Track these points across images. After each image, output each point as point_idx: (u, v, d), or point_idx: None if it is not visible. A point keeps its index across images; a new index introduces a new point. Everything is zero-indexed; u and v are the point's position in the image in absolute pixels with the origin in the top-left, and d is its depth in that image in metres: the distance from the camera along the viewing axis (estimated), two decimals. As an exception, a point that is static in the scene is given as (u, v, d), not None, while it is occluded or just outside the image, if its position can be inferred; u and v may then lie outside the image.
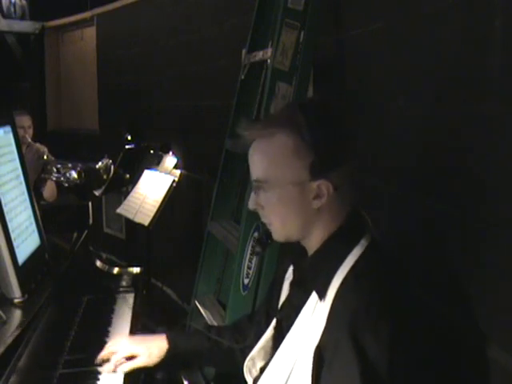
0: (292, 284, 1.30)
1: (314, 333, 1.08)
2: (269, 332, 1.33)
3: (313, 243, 1.20)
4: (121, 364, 1.45)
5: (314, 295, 1.14)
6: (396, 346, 1.02)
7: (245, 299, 1.87)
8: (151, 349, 1.48)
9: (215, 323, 2.08)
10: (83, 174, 2.98)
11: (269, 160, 1.16)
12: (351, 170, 1.17)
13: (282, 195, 1.16)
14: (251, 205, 1.23)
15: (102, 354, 1.47)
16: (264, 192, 1.18)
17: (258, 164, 1.18)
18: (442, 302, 1.34)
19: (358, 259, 1.12)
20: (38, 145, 3.12)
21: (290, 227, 1.19)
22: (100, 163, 3.07)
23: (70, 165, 2.99)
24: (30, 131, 3.58)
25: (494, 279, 1.17)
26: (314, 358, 1.06)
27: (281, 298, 1.35)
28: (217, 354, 1.52)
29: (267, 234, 1.28)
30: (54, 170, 2.97)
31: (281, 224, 1.20)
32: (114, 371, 1.44)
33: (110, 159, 3.10)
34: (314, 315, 1.12)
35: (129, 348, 1.49)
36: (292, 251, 1.29)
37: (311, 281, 1.16)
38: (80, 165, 3.00)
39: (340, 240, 1.16)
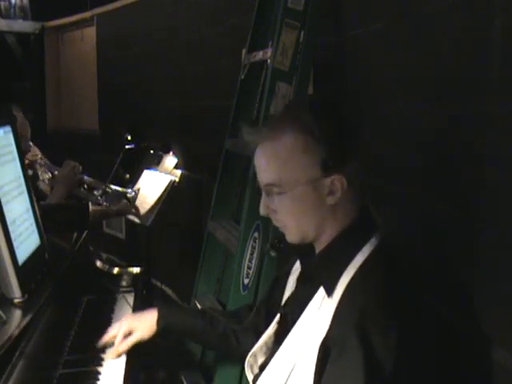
0: (299, 279, 1.30)
1: (320, 328, 1.08)
2: (272, 327, 1.33)
3: (323, 240, 1.19)
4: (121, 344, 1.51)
5: (320, 291, 1.14)
6: (402, 347, 1.02)
7: (245, 299, 1.87)
8: (145, 322, 1.52)
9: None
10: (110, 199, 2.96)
11: (279, 162, 1.14)
12: (361, 164, 1.17)
13: (296, 196, 1.14)
14: (263, 211, 1.21)
15: (104, 340, 1.53)
16: (277, 195, 1.16)
17: (268, 168, 1.16)
18: (442, 302, 1.34)
19: (367, 258, 1.11)
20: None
21: (306, 227, 1.18)
22: (133, 193, 3.03)
23: (99, 186, 2.95)
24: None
25: (495, 279, 1.17)
26: (319, 352, 1.06)
27: (285, 294, 1.35)
28: (210, 334, 1.53)
29: (279, 237, 1.26)
30: (83, 188, 2.94)
31: (296, 226, 1.18)
32: (118, 355, 1.50)
33: (138, 191, 3.06)
34: (321, 311, 1.12)
35: (126, 324, 1.53)
36: (297, 247, 1.29)
37: (319, 277, 1.16)
38: (110, 190, 2.96)
39: (350, 237, 1.16)
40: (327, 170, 1.12)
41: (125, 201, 2.89)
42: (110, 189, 2.87)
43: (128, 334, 1.53)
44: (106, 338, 1.53)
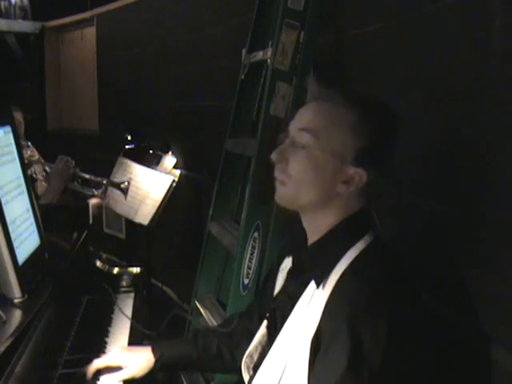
0: (289, 273, 1.29)
1: (310, 323, 1.08)
2: (263, 325, 1.32)
3: (316, 228, 1.18)
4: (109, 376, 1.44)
5: (311, 286, 1.13)
6: (392, 346, 1.01)
7: (245, 299, 1.87)
8: (139, 360, 1.47)
9: (215, 323, 2.08)
10: (106, 192, 2.97)
11: (329, 119, 1.14)
12: (386, 172, 1.18)
13: (318, 158, 1.13)
14: (276, 155, 1.18)
15: (90, 369, 1.44)
16: (301, 146, 1.15)
17: (317, 116, 1.16)
18: (443, 302, 1.34)
19: (360, 254, 1.11)
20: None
21: (304, 193, 1.16)
22: (126, 183, 3.05)
23: (94, 178, 2.98)
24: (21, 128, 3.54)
25: (495, 279, 1.17)
26: (311, 347, 1.06)
27: (275, 289, 1.35)
28: (206, 360, 1.51)
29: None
30: (77, 182, 2.96)
31: (297, 185, 1.16)
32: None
33: (130, 180, 3.08)
34: (311, 305, 1.11)
35: (116, 359, 1.48)
36: (291, 244, 1.28)
37: (310, 270, 1.15)
38: (105, 181, 2.98)
39: (344, 232, 1.15)
40: (357, 160, 1.13)
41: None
42: (104, 181, 2.90)
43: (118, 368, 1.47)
44: (94, 368, 1.45)
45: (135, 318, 1.83)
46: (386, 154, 1.18)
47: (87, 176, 2.89)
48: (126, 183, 2.87)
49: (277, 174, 1.19)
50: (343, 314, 1.03)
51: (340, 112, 1.14)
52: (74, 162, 2.86)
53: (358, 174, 1.13)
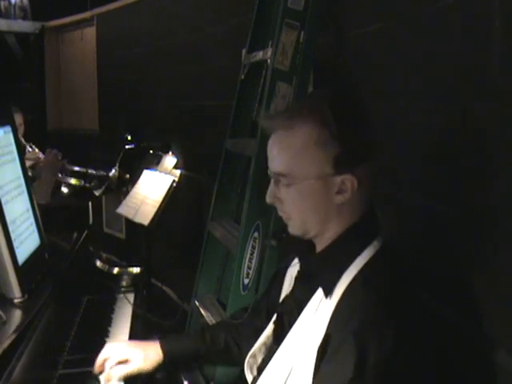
0: (297, 278, 1.28)
1: (317, 330, 1.08)
2: (269, 327, 1.32)
3: (325, 238, 1.17)
4: (115, 368, 1.42)
5: (319, 292, 1.13)
6: (398, 354, 1.01)
7: (245, 299, 1.87)
8: (147, 353, 1.46)
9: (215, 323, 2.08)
10: (95, 182, 2.99)
11: (291, 153, 1.12)
12: (375, 166, 1.15)
13: (305, 189, 1.13)
14: (269, 198, 1.19)
15: (97, 363, 1.43)
16: (285, 186, 1.14)
17: (280, 157, 1.14)
18: (443, 302, 1.34)
19: (369, 261, 1.10)
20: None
21: (310, 223, 1.16)
22: (113, 171, 3.07)
23: (81, 170, 3.01)
24: (21, 129, 3.55)
25: (496, 280, 1.17)
26: (318, 355, 1.05)
27: (282, 292, 1.34)
28: (214, 354, 1.52)
29: (283, 227, 1.24)
30: (66, 174, 2.99)
31: (300, 219, 1.17)
32: (109, 379, 1.41)
33: (120, 169, 3.11)
34: (318, 312, 1.11)
35: (123, 352, 1.46)
36: (297, 245, 1.27)
37: (318, 277, 1.15)
38: (94, 172, 3.00)
39: (352, 239, 1.15)
40: (339, 168, 1.10)
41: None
42: (92, 172, 2.94)
43: (125, 361, 1.44)
44: (99, 359, 1.44)
45: (135, 318, 1.83)
46: (365, 148, 1.14)
47: (75, 168, 2.93)
48: (113, 170, 2.90)
49: (279, 211, 1.21)
50: (351, 323, 1.02)
51: (300, 136, 1.11)
52: (61, 155, 2.90)
53: (348, 180, 1.11)
